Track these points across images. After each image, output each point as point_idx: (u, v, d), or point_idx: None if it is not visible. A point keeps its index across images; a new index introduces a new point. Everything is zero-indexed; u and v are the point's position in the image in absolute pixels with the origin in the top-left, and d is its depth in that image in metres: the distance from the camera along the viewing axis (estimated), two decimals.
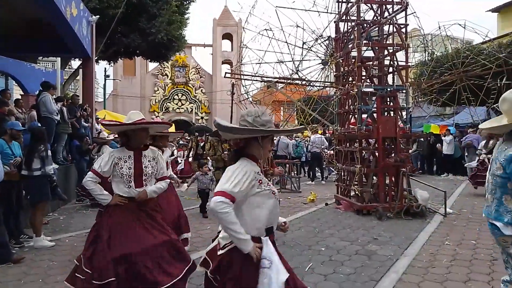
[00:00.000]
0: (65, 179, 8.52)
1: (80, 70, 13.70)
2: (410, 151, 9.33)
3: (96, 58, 14.08)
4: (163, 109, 34.38)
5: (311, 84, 9.05)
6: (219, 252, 2.21)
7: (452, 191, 9.95)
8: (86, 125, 10.34)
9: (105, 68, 29.29)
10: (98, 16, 11.21)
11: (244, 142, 2.31)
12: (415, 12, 8.11)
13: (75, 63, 20.11)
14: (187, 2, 16.93)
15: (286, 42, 8.92)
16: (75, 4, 9.04)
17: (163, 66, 32.81)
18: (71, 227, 6.68)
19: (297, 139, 16.09)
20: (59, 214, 7.65)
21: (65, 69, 20.48)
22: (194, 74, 34.91)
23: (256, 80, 8.89)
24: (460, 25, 8.36)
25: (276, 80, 8.70)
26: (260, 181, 2.19)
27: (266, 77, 8.77)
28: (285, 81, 8.80)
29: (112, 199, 3.31)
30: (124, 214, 3.28)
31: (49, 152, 5.75)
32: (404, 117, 8.02)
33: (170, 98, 34.60)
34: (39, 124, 7.35)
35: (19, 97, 11.17)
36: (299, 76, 8.90)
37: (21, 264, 4.69)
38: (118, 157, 3.36)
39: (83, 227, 6.58)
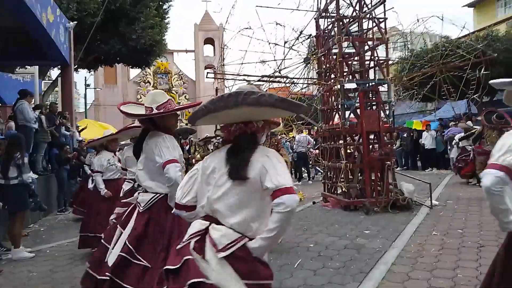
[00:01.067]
0: (45, 190, 8.27)
1: (59, 79, 13.40)
2: (394, 147, 9.37)
3: (76, 66, 13.83)
4: None
5: (294, 82, 9.02)
6: (221, 255, 1.72)
7: (437, 183, 10.01)
8: (67, 133, 10.11)
9: (85, 77, 28.85)
10: (75, 22, 11.00)
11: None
12: (393, 8, 8.18)
13: (54, 73, 19.71)
14: (167, 5, 16.79)
15: (267, 41, 8.88)
16: (51, 10, 8.84)
17: (145, 73, 32.50)
18: (53, 238, 6.46)
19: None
20: (40, 226, 7.42)
21: (44, 80, 20.07)
22: (177, 81, 34.66)
23: (239, 80, 8.82)
24: (438, 17, 8.46)
25: (259, 79, 8.64)
26: None
27: (249, 76, 8.71)
28: (268, 79, 8.75)
29: None
30: None
31: (26, 160, 5.56)
32: (387, 111, 8.04)
33: None
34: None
35: None
36: (281, 75, 8.86)
37: None
38: None
39: (65, 237, 6.40)
